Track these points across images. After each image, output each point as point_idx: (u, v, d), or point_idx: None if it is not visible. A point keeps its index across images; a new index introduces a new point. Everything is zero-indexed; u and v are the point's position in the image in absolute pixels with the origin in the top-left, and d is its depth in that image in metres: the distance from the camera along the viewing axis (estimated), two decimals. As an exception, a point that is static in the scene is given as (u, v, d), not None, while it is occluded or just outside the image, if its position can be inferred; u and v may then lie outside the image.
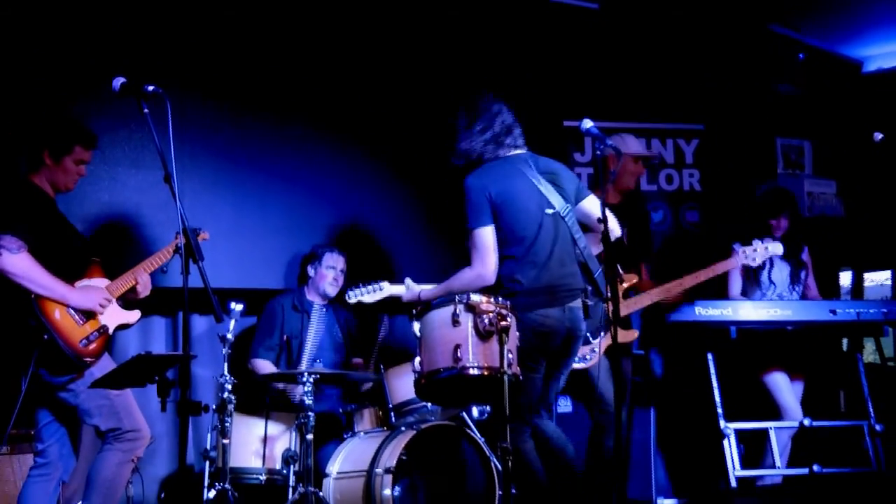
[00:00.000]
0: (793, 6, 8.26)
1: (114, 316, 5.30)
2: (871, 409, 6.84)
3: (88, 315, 5.15)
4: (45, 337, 4.98)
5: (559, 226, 5.00)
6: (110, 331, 5.27)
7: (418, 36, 7.61)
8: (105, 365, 5.13)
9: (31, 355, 4.99)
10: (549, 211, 5.00)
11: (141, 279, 5.40)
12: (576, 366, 5.73)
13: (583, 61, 8.18)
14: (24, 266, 4.93)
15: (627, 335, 6.28)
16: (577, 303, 4.92)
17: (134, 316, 5.43)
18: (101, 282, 5.31)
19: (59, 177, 5.27)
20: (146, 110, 4.45)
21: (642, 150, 6.23)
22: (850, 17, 8.45)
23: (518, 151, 5.22)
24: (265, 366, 6.75)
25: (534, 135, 8.02)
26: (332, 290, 6.94)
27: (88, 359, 5.10)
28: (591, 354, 5.97)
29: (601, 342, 5.95)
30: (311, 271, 7.00)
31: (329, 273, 6.90)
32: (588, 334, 5.78)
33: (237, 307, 6.07)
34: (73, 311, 5.10)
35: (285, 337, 6.80)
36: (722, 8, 8.22)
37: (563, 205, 5.04)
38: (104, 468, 5.15)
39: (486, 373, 4.44)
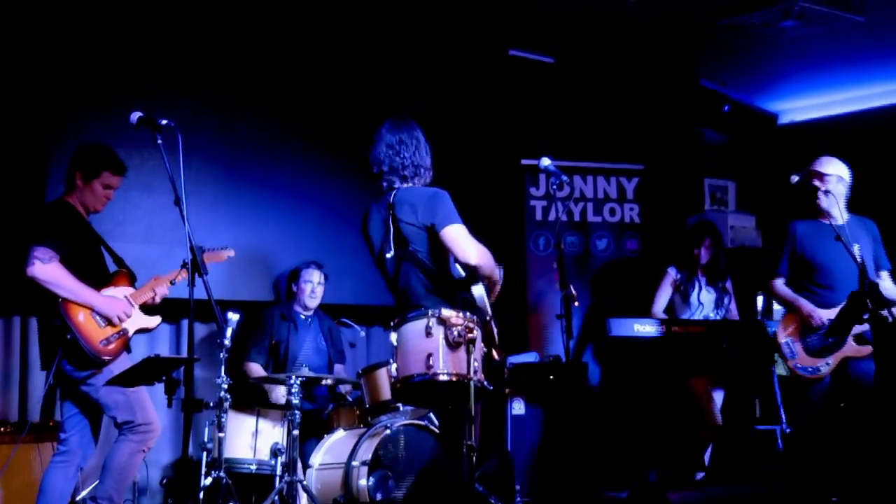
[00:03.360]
0: (721, 64, 8.31)
1: (134, 321, 5.23)
2: (783, 415, 6.84)
3: (110, 319, 5.08)
4: (69, 336, 4.93)
5: (400, 266, 4.66)
6: (129, 333, 5.20)
7: (397, 77, 7.57)
8: (124, 363, 5.06)
9: (57, 352, 4.95)
10: (388, 255, 4.66)
11: (159, 291, 5.34)
12: (807, 376, 5.81)
13: (539, 107, 8.21)
14: (53, 274, 4.91)
15: (861, 350, 5.86)
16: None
17: (154, 321, 5.37)
18: (126, 290, 5.27)
19: (88, 198, 5.23)
20: (160, 141, 4.39)
21: (826, 168, 6.09)
22: (767, 75, 8.54)
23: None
24: (256, 369, 6.71)
25: (493, 170, 8.15)
26: (311, 302, 6.88)
27: (107, 357, 5.03)
28: (823, 366, 5.84)
29: (836, 355, 5.83)
30: (294, 287, 6.95)
31: (307, 287, 6.84)
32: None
33: (234, 317, 5.99)
34: (96, 315, 5.04)
35: (274, 341, 6.73)
36: (660, 65, 8.26)
37: (406, 248, 4.62)
38: (118, 456, 5.09)
39: (454, 378, 4.35)
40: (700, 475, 6.77)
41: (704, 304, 7.05)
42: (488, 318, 4.56)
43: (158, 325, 5.42)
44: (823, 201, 6.01)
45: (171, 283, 5.39)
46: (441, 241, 4.56)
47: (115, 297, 5.18)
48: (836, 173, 6.06)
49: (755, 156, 9.01)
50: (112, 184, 5.28)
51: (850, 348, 5.83)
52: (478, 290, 4.61)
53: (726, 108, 8.64)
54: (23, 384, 6.11)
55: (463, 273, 4.66)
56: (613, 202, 8.28)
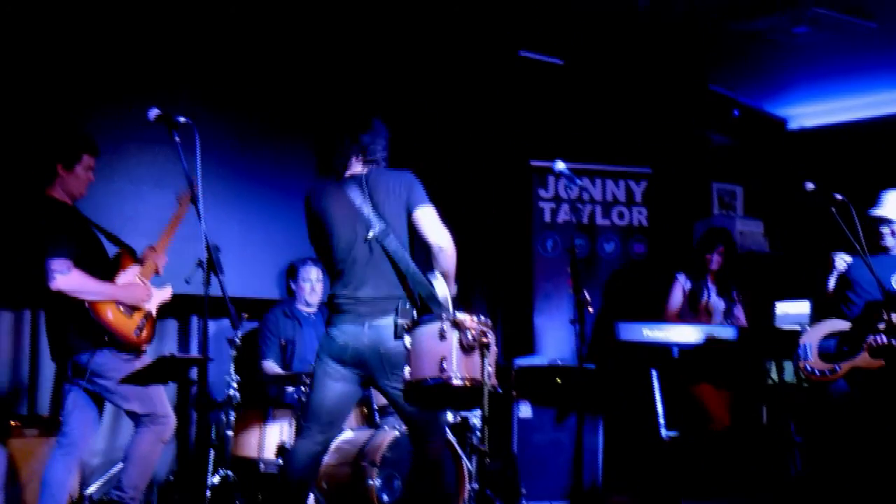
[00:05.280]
0: (730, 68, 8.31)
1: (153, 299, 5.28)
2: (792, 424, 6.83)
3: (134, 306, 5.13)
4: (106, 338, 4.96)
5: (373, 248, 4.58)
6: (154, 313, 5.24)
7: (408, 78, 7.59)
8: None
9: (88, 349, 4.97)
10: (370, 235, 4.55)
11: (160, 263, 5.39)
12: (813, 378, 6.01)
13: (548, 108, 8.18)
14: (76, 282, 4.90)
15: (873, 363, 5.95)
16: (384, 321, 4.55)
17: (167, 292, 5.40)
18: (134, 269, 5.28)
19: (72, 185, 5.17)
20: (177, 139, 4.38)
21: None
22: (777, 80, 8.55)
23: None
24: (272, 367, 6.64)
25: (502, 171, 8.14)
26: (312, 299, 6.81)
27: (144, 346, 5.12)
28: (830, 371, 5.98)
29: (847, 363, 5.96)
30: (293, 284, 6.90)
31: (306, 285, 6.77)
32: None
33: (244, 315, 5.99)
34: (121, 306, 5.07)
35: (283, 341, 6.70)
36: (670, 69, 8.26)
37: (379, 226, 4.56)
38: (141, 446, 5.09)
39: (468, 383, 4.34)
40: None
41: (713, 312, 7.03)
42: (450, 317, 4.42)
43: (172, 294, 5.43)
44: (889, 241, 6.22)
45: (186, 280, 5.36)
46: (413, 222, 4.58)
47: (133, 283, 5.21)
48: None
49: (763, 161, 9.02)
50: (92, 165, 5.25)
51: (863, 359, 5.90)
52: (440, 285, 4.61)
53: (735, 112, 8.64)
54: (32, 378, 6.06)
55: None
56: (621, 205, 8.26)
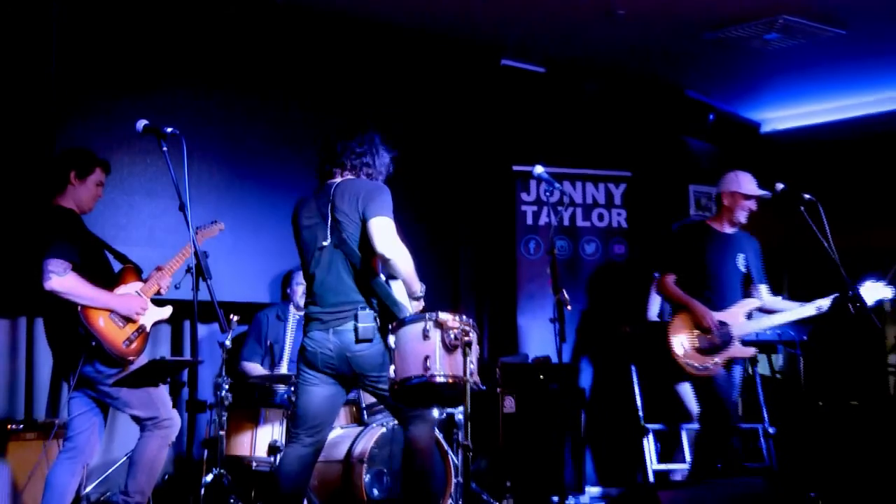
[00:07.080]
0: (705, 75, 8.36)
1: (149, 314, 5.23)
2: (766, 415, 6.87)
3: (128, 318, 5.09)
4: (93, 343, 4.91)
5: (332, 256, 4.62)
6: (148, 328, 5.20)
7: (394, 86, 7.67)
8: (144, 359, 5.09)
9: (80, 356, 4.92)
10: (325, 243, 4.60)
11: (164, 283, 5.35)
12: (696, 373, 5.93)
13: (530, 114, 8.23)
14: (70, 285, 4.86)
15: (745, 351, 6.01)
16: (346, 326, 4.57)
17: (167, 311, 5.36)
18: (136, 285, 5.25)
19: (83, 196, 5.17)
20: (164, 148, 4.39)
21: (755, 190, 6.19)
22: (750, 86, 8.60)
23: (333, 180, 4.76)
24: (254, 368, 6.70)
25: (486, 176, 8.18)
26: (303, 303, 6.84)
27: (131, 357, 5.04)
28: (711, 364, 5.93)
29: (722, 355, 5.93)
30: (287, 290, 6.95)
31: (298, 288, 6.78)
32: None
33: (235, 317, 6.01)
34: (114, 316, 5.03)
35: (269, 343, 6.72)
36: (647, 76, 8.31)
37: (340, 236, 4.60)
38: (147, 451, 5.08)
39: (451, 381, 4.37)
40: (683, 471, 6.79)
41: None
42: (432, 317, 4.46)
43: (171, 313, 5.39)
44: (743, 217, 6.21)
45: (175, 286, 5.37)
46: (367, 231, 4.55)
47: (130, 294, 5.17)
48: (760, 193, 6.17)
49: (739, 163, 9.01)
50: (103, 181, 5.26)
51: (737, 349, 5.91)
52: (398, 287, 4.65)
53: (711, 117, 8.69)
54: (28, 383, 6.07)
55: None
56: (602, 207, 8.29)
